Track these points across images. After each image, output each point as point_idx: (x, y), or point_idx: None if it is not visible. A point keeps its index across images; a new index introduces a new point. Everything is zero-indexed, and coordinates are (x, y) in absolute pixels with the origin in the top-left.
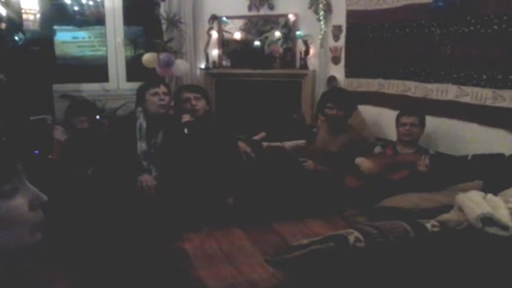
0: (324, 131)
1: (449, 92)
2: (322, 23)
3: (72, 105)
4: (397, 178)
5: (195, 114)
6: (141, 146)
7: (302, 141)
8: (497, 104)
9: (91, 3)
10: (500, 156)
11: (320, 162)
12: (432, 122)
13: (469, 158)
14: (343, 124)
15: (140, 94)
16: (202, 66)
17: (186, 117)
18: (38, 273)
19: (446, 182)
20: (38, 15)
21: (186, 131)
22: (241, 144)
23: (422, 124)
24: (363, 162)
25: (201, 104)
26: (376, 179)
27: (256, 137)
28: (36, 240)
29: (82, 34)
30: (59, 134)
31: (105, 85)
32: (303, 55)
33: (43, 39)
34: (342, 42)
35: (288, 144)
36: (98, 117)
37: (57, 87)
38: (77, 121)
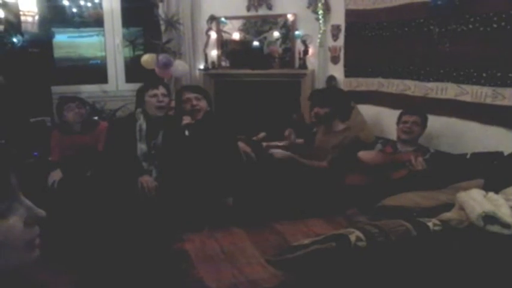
0: (321, 133)
1: (448, 90)
2: (321, 22)
3: (60, 97)
4: (395, 177)
5: (196, 115)
6: (141, 147)
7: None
8: (497, 102)
9: (89, 4)
10: (498, 154)
11: (317, 160)
12: (432, 121)
13: (467, 156)
14: (333, 121)
15: (139, 95)
16: (201, 66)
17: (186, 119)
18: (39, 275)
19: (446, 180)
20: (37, 17)
21: (187, 133)
22: (241, 144)
23: (424, 124)
24: (364, 155)
25: (202, 105)
26: (376, 177)
27: (255, 137)
28: (34, 257)
29: (81, 36)
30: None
31: (104, 86)
32: (302, 55)
33: (42, 41)
34: (341, 41)
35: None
36: (95, 118)
37: (56, 89)
38: (67, 110)
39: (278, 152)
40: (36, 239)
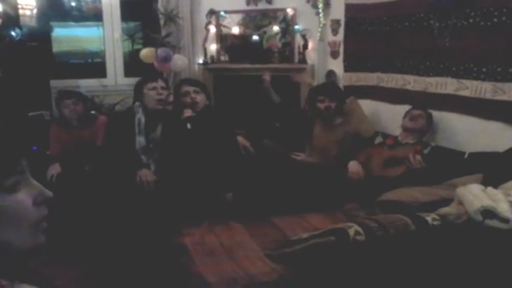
0: (319, 128)
1: (448, 85)
2: (320, 16)
3: (59, 92)
4: (393, 175)
5: (195, 108)
6: (140, 140)
7: None
8: (497, 98)
9: None
10: (496, 154)
11: (320, 159)
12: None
13: (465, 156)
14: (336, 117)
15: (138, 88)
16: (201, 61)
17: (188, 112)
18: (41, 269)
19: (445, 176)
20: (35, 11)
21: (189, 126)
22: (240, 138)
23: (429, 121)
24: (351, 166)
25: (200, 98)
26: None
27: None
28: (41, 242)
29: (79, 30)
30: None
31: (103, 81)
32: (301, 49)
33: (40, 34)
34: (340, 36)
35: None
36: (92, 112)
37: (55, 83)
38: (63, 106)
39: (300, 156)
40: (44, 223)
